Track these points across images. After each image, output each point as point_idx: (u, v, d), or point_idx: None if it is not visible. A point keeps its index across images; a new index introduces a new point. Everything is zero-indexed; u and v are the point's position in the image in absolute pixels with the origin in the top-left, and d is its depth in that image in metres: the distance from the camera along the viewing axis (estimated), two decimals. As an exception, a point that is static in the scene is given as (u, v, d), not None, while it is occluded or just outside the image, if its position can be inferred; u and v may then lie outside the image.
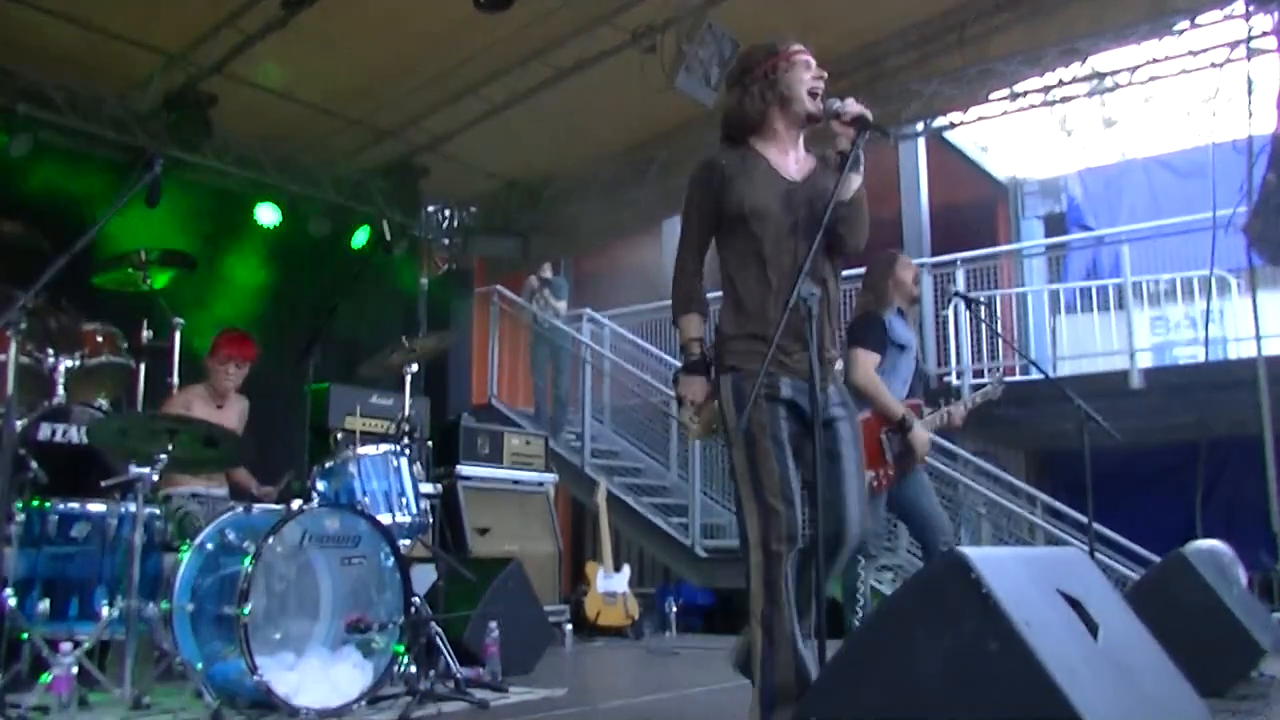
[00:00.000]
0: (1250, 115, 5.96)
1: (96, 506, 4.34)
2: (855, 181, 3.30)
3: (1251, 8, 6.30)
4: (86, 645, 3.87)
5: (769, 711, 3.16)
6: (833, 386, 3.38)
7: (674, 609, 9.01)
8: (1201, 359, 9.38)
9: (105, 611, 4.04)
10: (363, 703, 4.14)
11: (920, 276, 5.32)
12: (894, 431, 4.94)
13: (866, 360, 4.96)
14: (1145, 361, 10.67)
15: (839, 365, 3.49)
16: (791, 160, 3.46)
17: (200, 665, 4.02)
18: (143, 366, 5.49)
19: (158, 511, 4.49)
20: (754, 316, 3.32)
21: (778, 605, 3.16)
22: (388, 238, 9.33)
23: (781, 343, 3.14)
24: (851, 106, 3.24)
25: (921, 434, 4.90)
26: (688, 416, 3.38)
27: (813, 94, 3.39)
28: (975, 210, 14.02)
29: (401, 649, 4.35)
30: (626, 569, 8.81)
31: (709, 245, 3.48)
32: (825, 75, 3.41)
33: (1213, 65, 7.39)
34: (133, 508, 4.14)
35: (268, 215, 8.67)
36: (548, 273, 11.44)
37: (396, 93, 8.03)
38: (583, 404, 11.13)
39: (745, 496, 3.26)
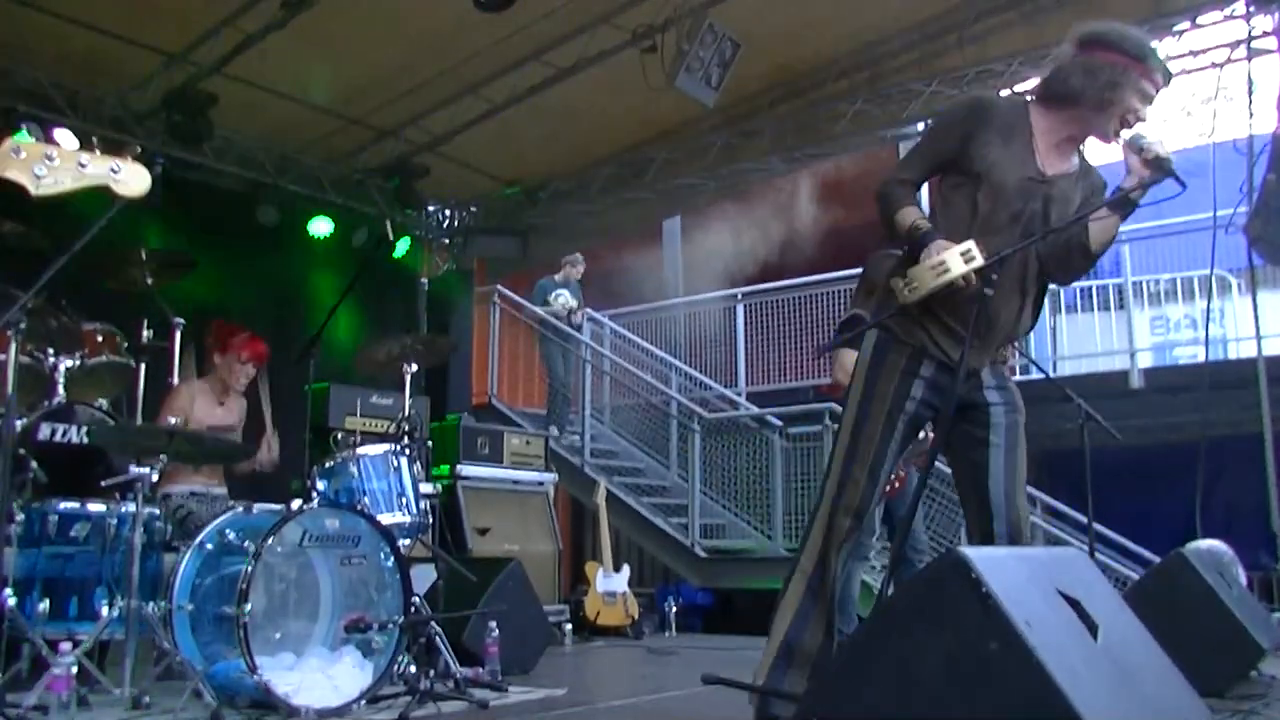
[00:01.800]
0: (1251, 115, 5.96)
1: (96, 506, 4.34)
2: (1115, 228, 3.20)
3: (1252, 8, 6.30)
4: (86, 645, 3.87)
5: (784, 665, 3.18)
6: (988, 372, 3.26)
7: (673, 609, 9.01)
8: (1202, 359, 9.36)
9: (105, 611, 4.04)
10: (362, 702, 4.14)
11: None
12: None
13: (848, 358, 4.94)
14: (1145, 361, 10.67)
15: (1006, 351, 3.37)
16: (1056, 151, 3.24)
17: (200, 665, 4.02)
18: (143, 366, 5.48)
19: (157, 511, 4.49)
20: (941, 301, 3.14)
21: (825, 569, 3.16)
22: (389, 238, 9.33)
23: (949, 322, 3.10)
24: (1157, 147, 3.05)
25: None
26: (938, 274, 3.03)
27: (1125, 124, 3.17)
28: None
29: (401, 649, 4.34)
30: (626, 569, 8.81)
31: (929, 177, 3.31)
32: (1146, 115, 3.18)
33: (1213, 65, 7.39)
34: (132, 507, 4.14)
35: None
36: (579, 271, 11.36)
37: (396, 92, 8.04)
38: (582, 404, 11.14)
39: (836, 455, 3.24)
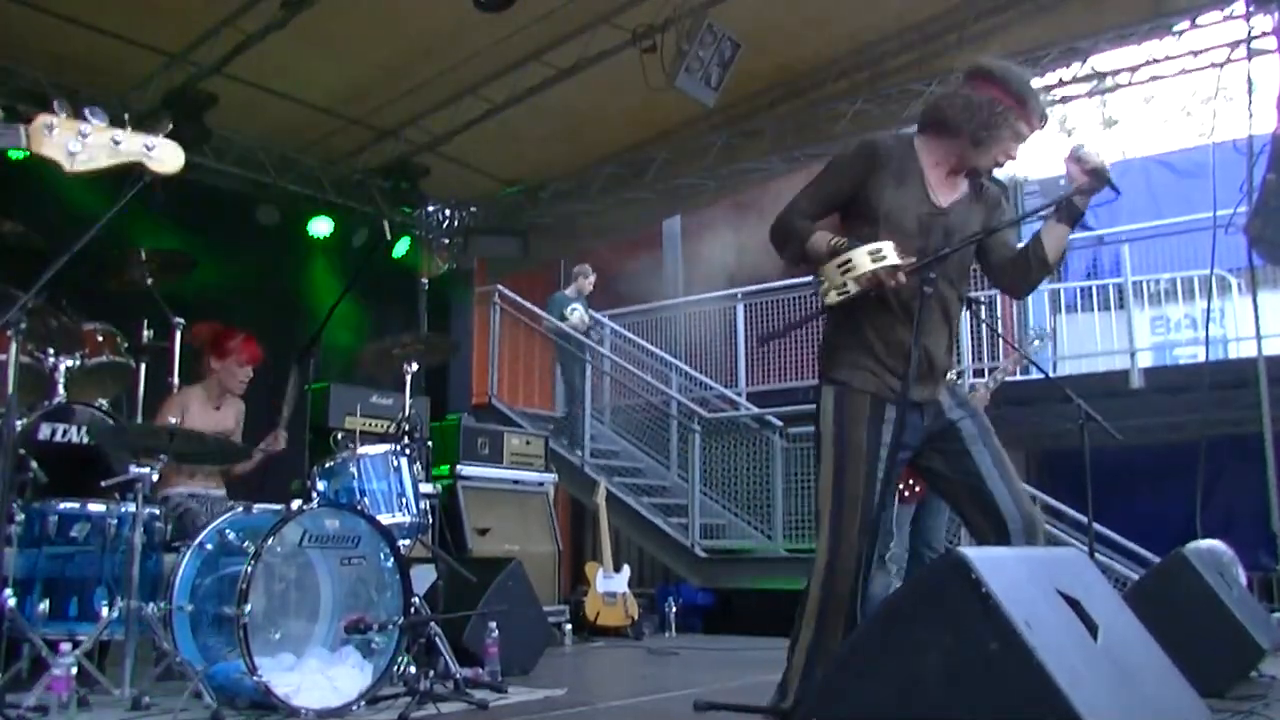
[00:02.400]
0: (1250, 115, 5.96)
1: (96, 506, 4.34)
2: (1066, 236, 3.22)
3: (1252, 8, 6.30)
4: (86, 645, 3.87)
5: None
6: (945, 392, 3.31)
7: (674, 609, 9.01)
8: (1202, 359, 9.36)
9: (105, 612, 4.04)
10: (362, 703, 4.14)
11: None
12: None
13: None
14: (1145, 361, 10.66)
15: (951, 373, 3.41)
16: (947, 181, 3.29)
17: (200, 665, 4.02)
18: (143, 366, 5.48)
19: (157, 511, 4.49)
20: (867, 330, 3.22)
21: (833, 621, 3.15)
22: (388, 238, 9.33)
23: (891, 364, 3.14)
24: (1095, 158, 3.08)
25: None
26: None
27: (997, 163, 3.25)
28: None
29: (401, 649, 4.34)
30: (626, 569, 8.81)
31: (826, 214, 3.32)
32: (1016, 156, 3.26)
33: (1213, 65, 7.40)
34: (132, 508, 4.14)
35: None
36: (590, 283, 11.25)
37: (396, 92, 8.04)
38: (583, 403, 11.13)
39: (820, 516, 3.24)
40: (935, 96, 3.33)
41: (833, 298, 3.09)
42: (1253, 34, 6.50)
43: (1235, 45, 7.11)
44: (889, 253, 3.03)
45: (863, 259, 3.03)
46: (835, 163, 3.33)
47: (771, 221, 3.36)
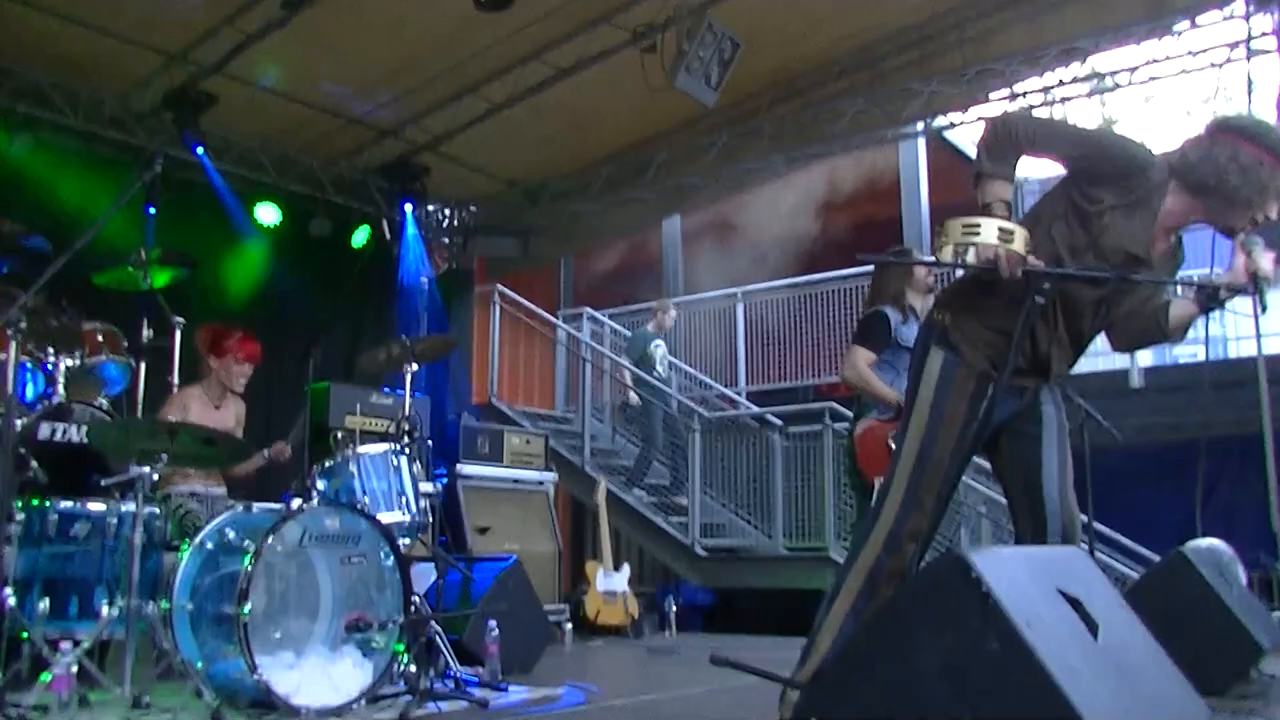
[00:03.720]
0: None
1: (96, 506, 4.34)
2: (1193, 319, 3.20)
3: (1251, 8, 6.31)
4: (86, 644, 3.87)
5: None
6: (1046, 392, 3.27)
7: (674, 608, 9.01)
8: (1202, 358, 9.38)
9: (105, 611, 4.03)
10: (363, 702, 4.14)
11: (931, 270, 5.28)
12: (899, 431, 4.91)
13: (859, 356, 4.95)
14: (1145, 360, 10.66)
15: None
16: (1164, 233, 3.16)
17: (200, 664, 4.02)
18: (143, 366, 5.49)
19: (157, 511, 4.48)
20: (1004, 314, 3.07)
21: (874, 592, 3.11)
22: (388, 237, 9.34)
23: (1008, 353, 3.01)
24: (1265, 263, 2.99)
25: None
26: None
27: (1254, 223, 3.06)
28: (974, 209, 13.98)
29: (401, 648, 4.34)
30: (626, 568, 8.81)
31: (1054, 159, 3.18)
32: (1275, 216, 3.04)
33: (1212, 65, 7.40)
34: (132, 507, 4.14)
35: (268, 215, 8.68)
36: (671, 318, 10.85)
37: (397, 92, 8.04)
38: (582, 403, 11.14)
39: (898, 478, 3.18)
40: (1198, 156, 3.06)
41: (946, 254, 2.95)
42: (1252, 34, 6.50)
43: (1235, 45, 7.11)
44: (1019, 239, 2.91)
45: (991, 232, 2.90)
46: (1114, 143, 3.14)
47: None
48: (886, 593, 3.07)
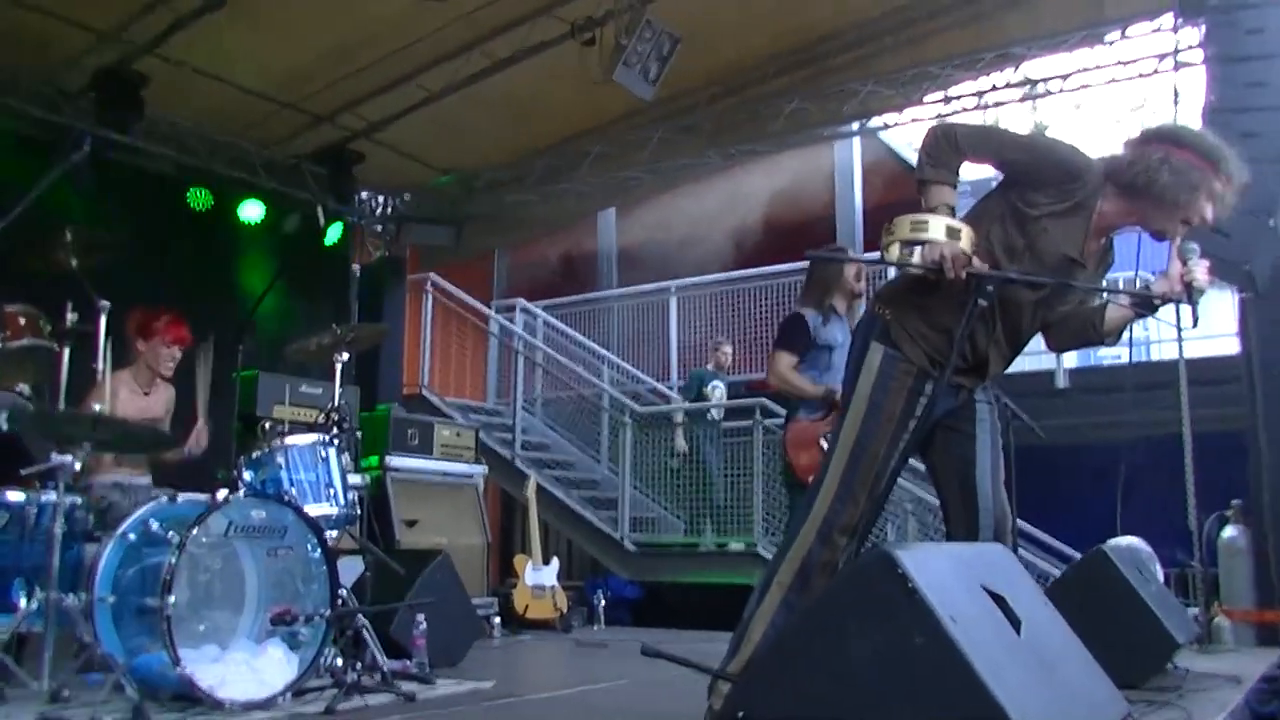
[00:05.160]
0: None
1: (15, 495, 4.23)
2: (1129, 323, 3.24)
3: (1179, 21, 6.44)
4: (3, 637, 3.79)
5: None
6: (981, 391, 3.32)
7: (602, 602, 9.02)
8: (1125, 360, 9.57)
9: (23, 603, 3.94)
10: (288, 695, 4.09)
11: (862, 273, 5.35)
12: (831, 411, 4.96)
13: (781, 360, 5.02)
14: (1071, 362, 10.87)
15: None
16: (1097, 235, 3.22)
17: (122, 658, 3.95)
18: (67, 350, 5.36)
19: (79, 500, 4.39)
20: (946, 313, 3.13)
21: (807, 585, 3.14)
22: (320, 224, 9.22)
23: (948, 351, 3.09)
24: (1200, 273, 3.04)
25: None
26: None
27: (1188, 224, 3.12)
28: (908, 209, 14.14)
29: (327, 641, 4.30)
30: (555, 562, 8.80)
31: (994, 166, 3.24)
32: (1210, 218, 3.12)
33: (1141, 76, 7.56)
34: (53, 496, 4.05)
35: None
36: (727, 355, 10.36)
37: (333, 78, 7.94)
38: (514, 396, 11.11)
39: (832, 471, 3.20)
40: (1130, 159, 3.14)
41: (893, 251, 3.01)
42: (1179, 47, 6.64)
43: (1163, 57, 7.27)
44: (965, 238, 2.96)
45: (939, 229, 2.95)
46: (1048, 146, 3.23)
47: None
48: (819, 585, 3.11)
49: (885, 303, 3.30)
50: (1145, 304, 3.18)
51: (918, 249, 2.97)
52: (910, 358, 3.18)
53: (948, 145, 3.12)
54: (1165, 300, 3.10)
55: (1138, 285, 3.29)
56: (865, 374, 3.23)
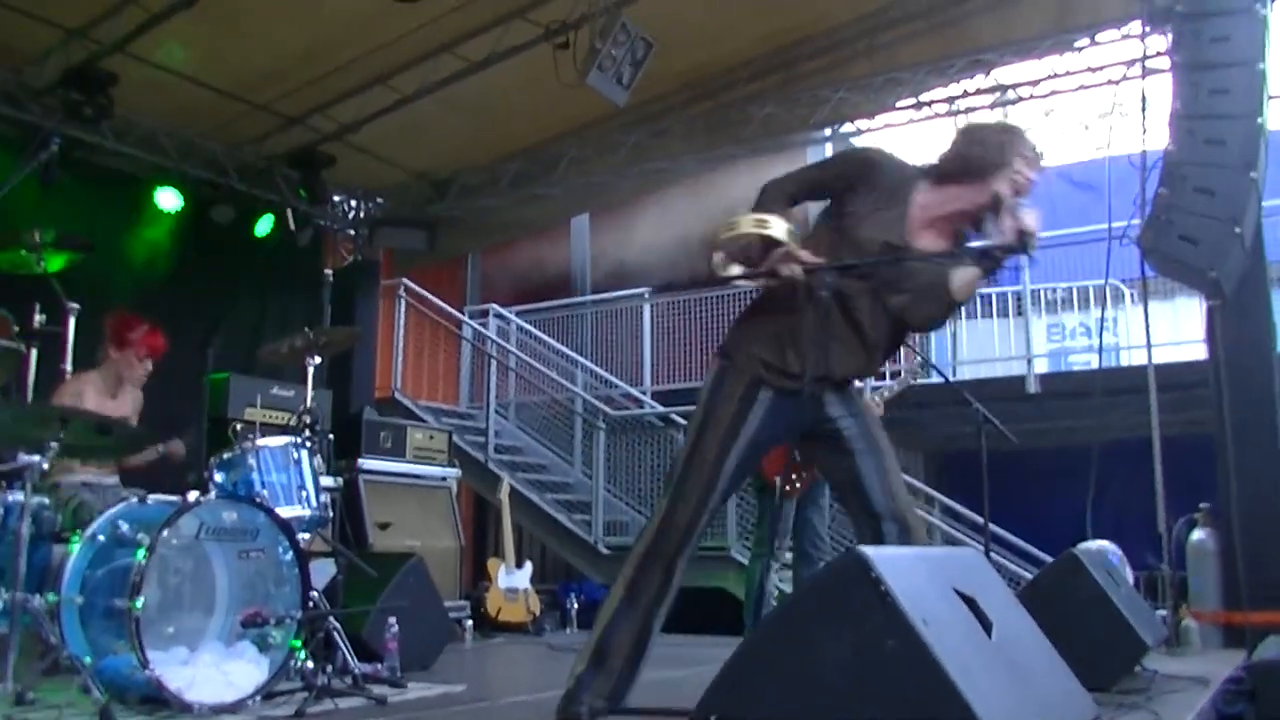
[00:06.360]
0: (1144, 132, 6.14)
1: (-19, 495, 4.19)
2: (977, 280, 3.24)
3: (1148, 28, 6.50)
4: (-33, 639, 3.75)
5: (594, 668, 3.26)
6: (833, 396, 3.29)
7: (575, 606, 9.01)
8: (1095, 365, 9.64)
9: (-12, 604, 3.91)
10: (258, 698, 4.06)
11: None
12: None
13: None
14: (1042, 367, 10.95)
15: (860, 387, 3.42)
16: (929, 228, 3.30)
17: (89, 659, 3.91)
18: (34, 352, 5.31)
19: (46, 501, 4.35)
20: (775, 319, 3.25)
21: (646, 577, 3.25)
22: (291, 227, 9.17)
23: (786, 357, 3.17)
24: (1030, 221, 3.10)
25: None
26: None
27: (1013, 188, 3.20)
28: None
29: (298, 644, 4.27)
30: (528, 565, 8.79)
31: (802, 199, 3.33)
32: (1033, 179, 3.23)
33: (1110, 82, 7.63)
34: (20, 496, 4.00)
35: (169, 200, 8.46)
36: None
37: (304, 79, 7.91)
38: (487, 399, 11.09)
39: (675, 473, 3.29)
40: (941, 153, 3.32)
41: (715, 262, 3.12)
42: (1147, 53, 6.70)
43: (1131, 64, 7.33)
44: (776, 227, 3.03)
45: (746, 221, 3.04)
46: (837, 155, 3.42)
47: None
48: (655, 579, 3.24)
49: (735, 328, 3.44)
50: (989, 260, 3.21)
51: (728, 243, 3.12)
52: (739, 366, 3.27)
53: (775, 193, 3.26)
54: (1005, 252, 3.14)
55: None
56: (704, 384, 3.36)
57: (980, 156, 3.23)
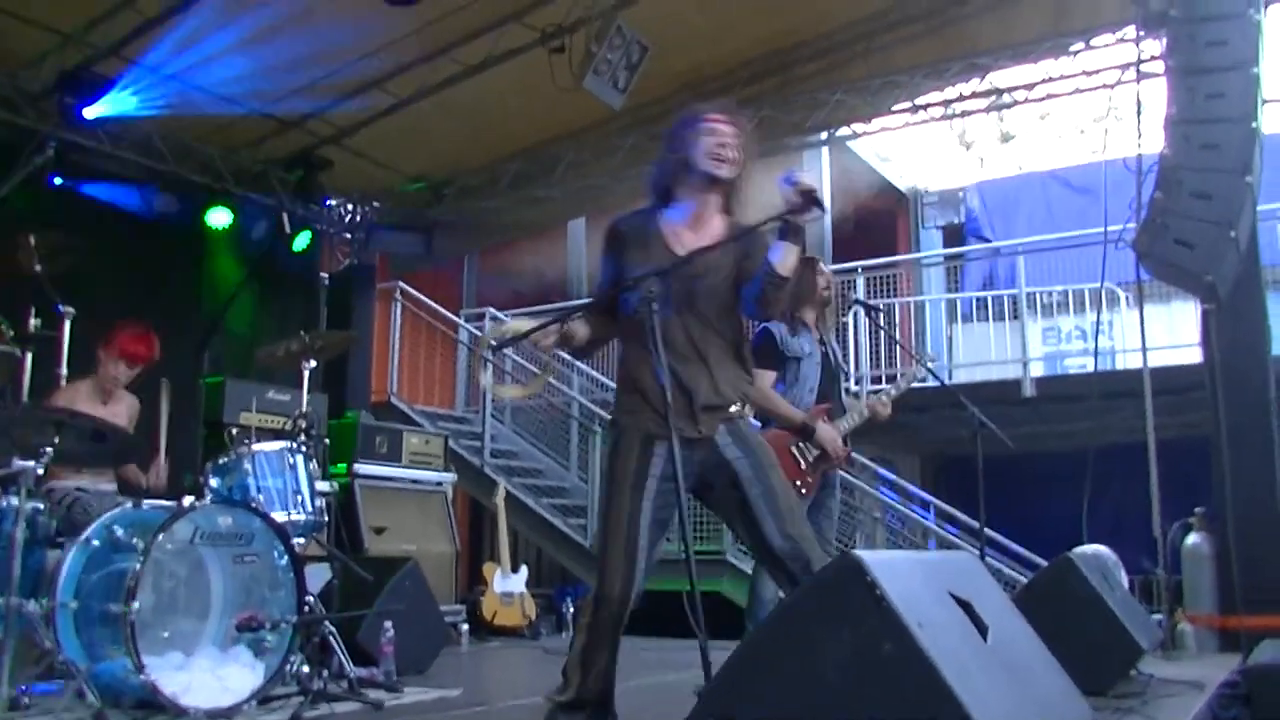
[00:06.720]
0: (1140, 135, 6.14)
1: (-24, 501, 4.18)
2: (794, 255, 3.23)
3: (1142, 32, 6.51)
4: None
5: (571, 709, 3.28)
6: (723, 430, 3.33)
7: (571, 610, 9.00)
8: (1091, 369, 9.65)
9: (-17, 609, 3.90)
10: (253, 703, 4.06)
11: (831, 282, 5.38)
12: (805, 439, 4.97)
13: (761, 379, 5.02)
14: (1037, 370, 10.95)
15: (734, 409, 3.38)
16: (690, 231, 3.40)
17: (84, 664, 3.91)
18: (29, 356, 5.30)
19: (41, 506, 4.34)
20: (633, 371, 3.35)
21: (596, 644, 3.29)
22: (287, 230, 9.17)
23: (654, 402, 3.21)
24: (805, 178, 3.14)
25: (828, 433, 4.95)
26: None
27: (715, 158, 3.33)
28: (876, 219, 14.25)
29: (294, 648, 4.27)
30: (524, 569, 8.78)
31: (606, 300, 3.45)
32: (731, 143, 3.35)
33: (1105, 86, 7.65)
34: (15, 501, 4.00)
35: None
36: None
37: (301, 83, 7.90)
38: (483, 404, 11.08)
39: (597, 541, 3.39)
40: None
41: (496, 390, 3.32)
42: (1142, 57, 6.71)
43: (1126, 67, 7.35)
44: (510, 327, 3.40)
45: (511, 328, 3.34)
46: (601, 253, 3.51)
47: None
48: (603, 639, 3.31)
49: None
50: (790, 230, 3.21)
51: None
52: (627, 428, 3.35)
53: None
54: (795, 214, 3.15)
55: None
56: (604, 460, 3.53)
57: (672, 152, 3.39)
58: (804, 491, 5.12)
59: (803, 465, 4.97)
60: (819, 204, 3.14)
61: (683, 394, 3.24)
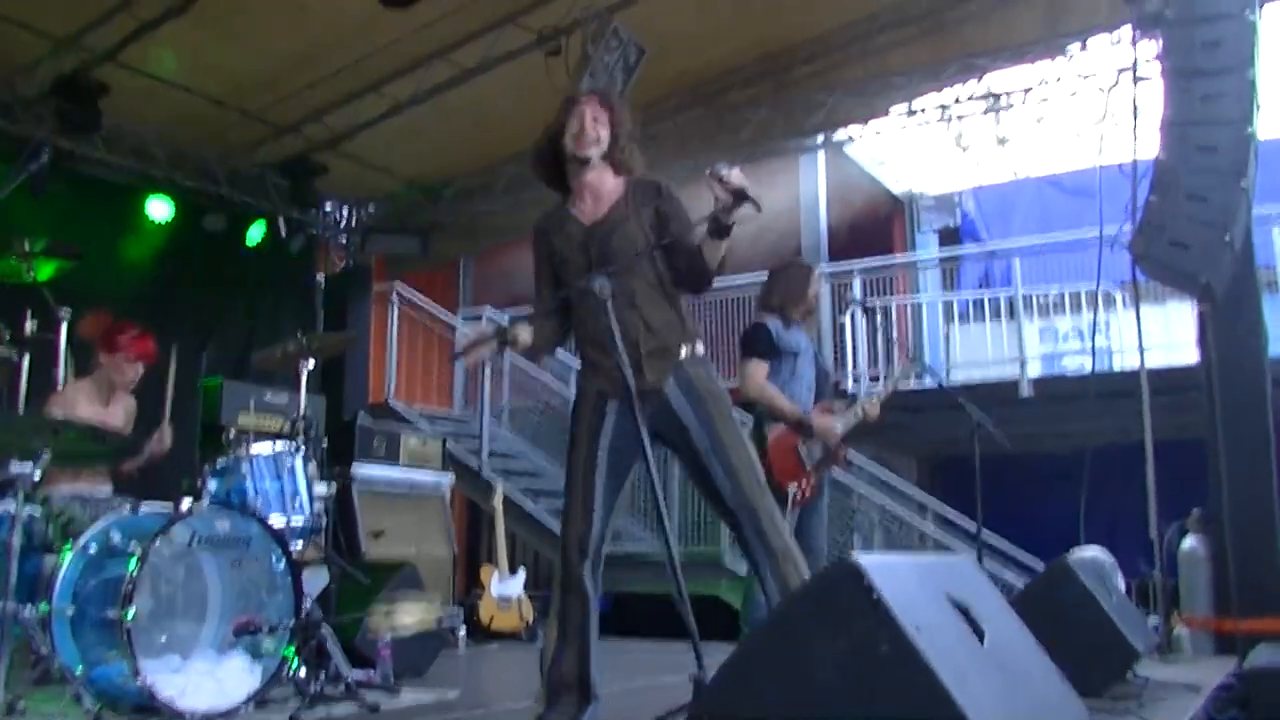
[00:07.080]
0: (1135, 139, 6.15)
1: (-28, 506, 4.18)
2: (722, 250, 3.33)
3: (1138, 34, 6.52)
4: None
5: (554, 704, 3.39)
6: (673, 380, 3.44)
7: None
8: (1088, 369, 9.65)
9: (-21, 614, 3.89)
10: (250, 705, 4.06)
11: (818, 294, 5.40)
12: (809, 438, 4.98)
13: (755, 370, 5.02)
14: (1034, 371, 10.95)
15: (683, 353, 3.49)
16: (592, 206, 3.57)
17: (80, 669, 3.90)
18: (26, 360, 5.30)
19: (37, 512, 4.34)
20: (581, 337, 3.57)
21: (568, 604, 3.40)
22: (283, 234, 9.17)
23: (603, 362, 3.37)
24: (736, 177, 3.21)
25: (824, 421, 4.96)
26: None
27: (577, 139, 3.49)
28: (872, 222, 14.26)
29: (291, 652, 4.27)
30: (522, 572, 8.77)
31: (553, 300, 3.60)
32: (589, 122, 3.50)
33: (1100, 89, 7.65)
34: (11, 507, 3.99)
35: (160, 209, 8.44)
36: None
37: (297, 87, 7.90)
38: (481, 405, 11.07)
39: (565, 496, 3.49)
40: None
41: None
42: (1138, 60, 6.72)
43: (1122, 70, 7.36)
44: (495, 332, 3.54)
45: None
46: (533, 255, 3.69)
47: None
48: (574, 600, 3.43)
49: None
50: (718, 227, 3.29)
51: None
52: (583, 388, 3.55)
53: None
54: (726, 210, 3.21)
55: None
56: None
57: (555, 138, 3.54)
58: (807, 493, 5.13)
59: (806, 466, 4.98)
60: (750, 201, 3.17)
61: (629, 345, 3.29)
